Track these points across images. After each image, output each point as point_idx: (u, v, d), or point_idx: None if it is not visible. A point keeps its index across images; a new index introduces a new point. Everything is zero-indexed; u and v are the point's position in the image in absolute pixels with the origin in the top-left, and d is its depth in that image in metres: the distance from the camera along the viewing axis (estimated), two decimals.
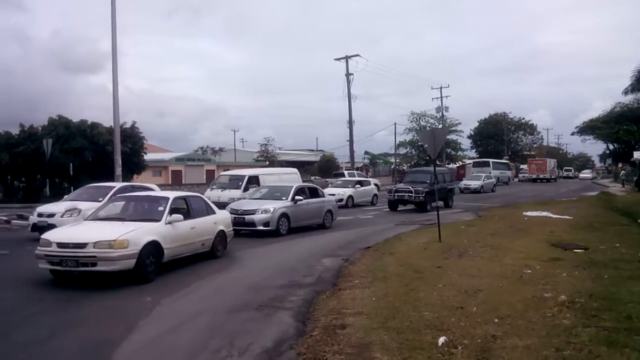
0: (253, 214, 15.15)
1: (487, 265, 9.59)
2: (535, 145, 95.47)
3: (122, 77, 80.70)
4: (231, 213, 14.71)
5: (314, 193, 17.66)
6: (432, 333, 5.66)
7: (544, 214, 19.66)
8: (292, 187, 16.89)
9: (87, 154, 29.98)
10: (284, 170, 26.94)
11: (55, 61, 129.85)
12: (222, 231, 11.64)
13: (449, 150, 60.73)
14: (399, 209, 24.41)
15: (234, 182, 21.25)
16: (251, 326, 6.55)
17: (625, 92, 30.94)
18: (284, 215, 15.42)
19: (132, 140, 31.97)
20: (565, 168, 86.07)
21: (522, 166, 76.85)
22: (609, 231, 14.49)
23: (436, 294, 7.43)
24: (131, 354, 5.70)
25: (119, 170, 22.48)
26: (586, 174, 79.59)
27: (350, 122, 44.60)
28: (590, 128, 72.75)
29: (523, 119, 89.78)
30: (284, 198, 16.11)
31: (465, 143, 75.04)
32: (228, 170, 35.56)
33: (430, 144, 13.85)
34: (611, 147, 72.39)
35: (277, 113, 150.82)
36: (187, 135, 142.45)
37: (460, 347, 5.23)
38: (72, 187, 28.07)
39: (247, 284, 9.00)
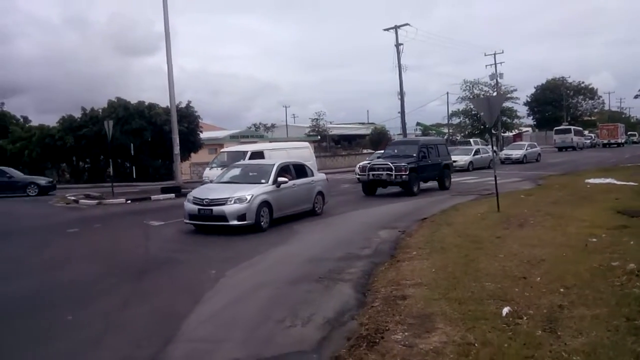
0: (223, 204, 11.60)
1: (549, 234, 9.34)
2: (596, 110, 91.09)
3: (176, 57, 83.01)
4: (194, 203, 11.98)
5: (300, 172, 14.15)
6: (495, 303, 5.60)
7: (608, 180, 18.86)
8: (273, 165, 13.27)
9: (146, 134, 30.95)
10: (293, 145, 23.97)
11: (113, 45, 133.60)
12: None
13: (504, 119, 58.83)
14: (377, 192, 19.37)
15: (236, 159, 18.44)
16: (312, 297, 6.68)
17: None
18: (264, 203, 12.03)
19: (188, 119, 32.73)
20: (630, 132, 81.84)
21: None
22: None
23: (497, 264, 7.33)
24: (198, 325, 5.94)
25: (177, 149, 23.11)
26: None
27: (402, 94, 43.85)
28: None
29: (582, 83, 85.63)
30: (263, 180, 12.64)
31: (522, 110, 72.48)
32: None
33: (486, 112, 13.49)
34: None
35: (328, 87, 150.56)
36: (240, 112, 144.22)
37: (525, 318, 5.16)
38: (133, 167, 29.22)
39: (305, 256, 9.17)
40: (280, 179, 12.76)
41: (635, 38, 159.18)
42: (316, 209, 14.33)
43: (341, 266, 8.26)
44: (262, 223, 11.90)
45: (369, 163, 19.92)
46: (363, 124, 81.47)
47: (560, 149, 55.76)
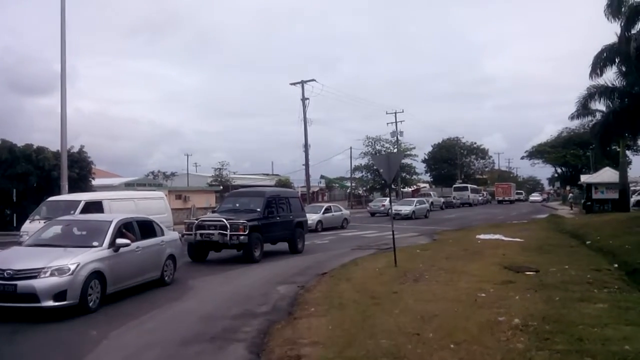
0: (34, 276, 8.19)
1: (443, 289, 9.63)
2: (487, 169, 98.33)
3: (74, 99, 77.93)
4: None
5: (147, 230, 11.10)
6: None
7: (496, 236, 20.07)
8: (109, 222, 10.05)
9: (31, 180, 28.83)
10: (144, 194, 20.00)
11: (2, 81, 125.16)
12: None
13: (403, 174, 61.70)
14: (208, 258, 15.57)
15: (65, 210, 14.50)
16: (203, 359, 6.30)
17: (572, 118, 31.79)
18: (95, 274, 8.82)
19: (80, 165, 30.96)
20: (517, 191, 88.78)
21: None
22: (558, 253, 14.89)
23: (393, 320, 7.38)
24: None
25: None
26: (535, 196, 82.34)
27: (306, 146, 44.79)
28: (539, 152, 76.20)
29: (475, 143, 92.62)
30: (95, 243, 9.40)
31: (420, 167, 76.68)
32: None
33: (385, 169, 13.97)
34: (559, 170, 75.53)
35: (233, 137, 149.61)
36: (140, 159, 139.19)
37: None
38: (14, 214, 27.01)
39: (199, 314, 8.71)
40: (120, 240, 9.69)
41: (521, 104, 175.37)
42: (165, 277, 11.30)
43: (236, 324, 7.93)
44: (90, 302, 8.65)
45: (197, 219, 15.90)
46: (267, 175, 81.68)
47: (458, 205, 60.88)
